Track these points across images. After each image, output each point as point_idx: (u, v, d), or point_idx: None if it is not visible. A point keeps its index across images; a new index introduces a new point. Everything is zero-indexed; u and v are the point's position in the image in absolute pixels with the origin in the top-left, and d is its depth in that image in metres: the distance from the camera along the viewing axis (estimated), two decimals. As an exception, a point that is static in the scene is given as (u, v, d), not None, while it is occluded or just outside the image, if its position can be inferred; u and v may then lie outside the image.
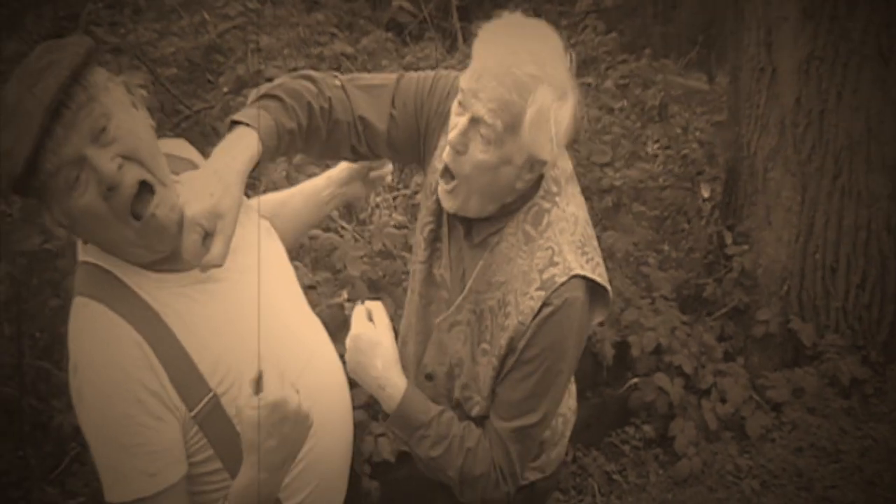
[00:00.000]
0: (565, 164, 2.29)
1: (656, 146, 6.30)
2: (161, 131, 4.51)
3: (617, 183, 5.44)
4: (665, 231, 5.97)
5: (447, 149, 2.11)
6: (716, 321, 5.33)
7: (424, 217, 2.37)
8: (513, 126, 2.01)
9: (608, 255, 5.28)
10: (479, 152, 2.06)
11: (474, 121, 2.04)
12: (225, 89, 5.21)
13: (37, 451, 3.62)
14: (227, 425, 1.84)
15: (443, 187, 2.19)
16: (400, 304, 3.92)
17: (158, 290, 1.84)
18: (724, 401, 4.85)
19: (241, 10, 6.01)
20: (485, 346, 2.24)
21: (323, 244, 4.28)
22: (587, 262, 2.17)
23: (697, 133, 6.46)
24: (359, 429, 3.77)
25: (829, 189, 5.41)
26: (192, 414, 1.80)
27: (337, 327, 3.99)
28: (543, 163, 2.09)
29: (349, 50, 6.29)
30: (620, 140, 5.95)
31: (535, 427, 2.23)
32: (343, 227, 4.73)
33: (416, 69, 6.62)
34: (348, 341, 2.23)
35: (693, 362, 4.87)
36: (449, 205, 2.20)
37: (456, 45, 7.42)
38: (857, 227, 5.40)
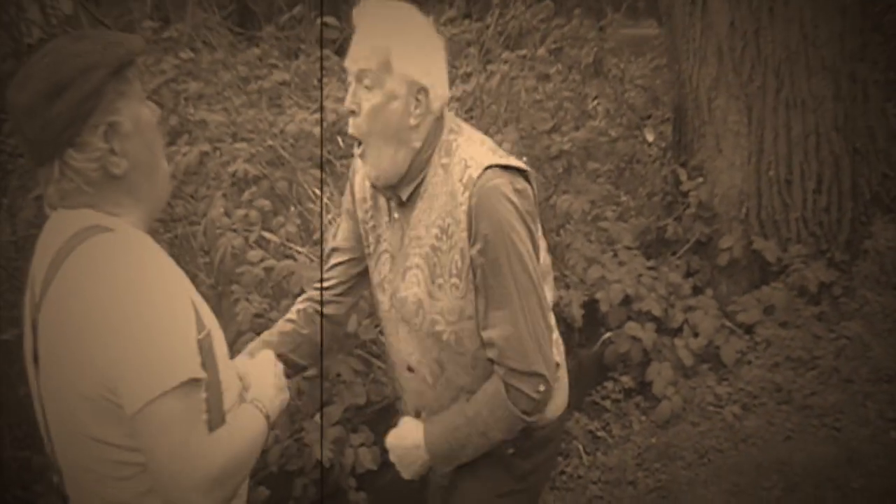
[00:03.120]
0: (459, 120, 2.56)
1: (596, 101, 6.36)
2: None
3: (565, 147, 5.50)
4: (623, 182, 6.03)
5: (350, 121, 2.41)
6: (680, 259, 5.39)
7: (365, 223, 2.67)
8: (385, 63, 2.31)
9: (565, 219, 5.36)
10: (367, 101, 2.35)
11: (357, 78, 2.35)
12: (164, 141, 5.33)
13: (24, 541, 3.71)
14: (213, 363, 1.95)
15: (358, 159, 2.52)
16: (361, 315, 4.04)
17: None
18: (696, 335, 4.91)
19: (176, 63, 6.14)
20: (440, 280, 2.42)
21: (280, 272, 4.37)
22: (500, 157, 2.39)
23: (639, 80, 6.50)
24: (338, 444, 3.88)
25: (773, 104, 5.46)
26: (199, 337, 1.90)
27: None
28: (425, 90, 2.36)
29: (287, 77, 6.41)
30: (563, 104, 6.02)
31: (521, 318, 2.36)
32: (298, 251, 4.84)
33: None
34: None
35: (662, 304, 4.93)
36: (367, 171, 2.46)
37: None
38: (805, 135, 5.45)
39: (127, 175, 1.93)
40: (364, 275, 2.74)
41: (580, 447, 4.51)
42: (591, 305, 4.90)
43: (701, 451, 4.38)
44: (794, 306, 5.03)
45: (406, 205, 2.47)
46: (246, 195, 4.79)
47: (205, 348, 1.90)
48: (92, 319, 1.81)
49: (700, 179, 5.51)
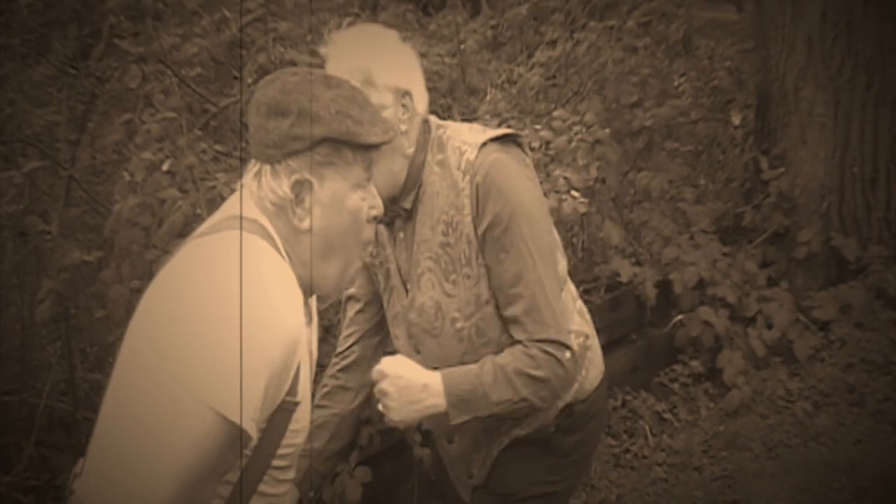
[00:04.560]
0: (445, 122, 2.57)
1: (683, 79, 6.28)
2: (191, 131, 4.65)
3: (647, 123, 5.44)
4: (701, 165, 5.97)
5: None
6: (757, 248, 5.33)
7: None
8: (367, 79, 2.29)
9: (644, 196, 5.32)
10: None
11: None
12: (249, 80, 5.31)
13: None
14: (279, 436, 1.84)
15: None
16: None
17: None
18: (770, 326, 4.86)
19: (261, 2, 6.11)
20: (453, 276, 2.43)
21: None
22: (491, 133, 2.44)
23: (727, 63, 6.42)
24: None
25: (862, 100, 5.38)
26: (283, 396, 1.78)
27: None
28: (409, 93, 2.37)
29: (371, 27, 6.35)
30: (647, 79, 5.95)
31: (540, 286, 2.36)
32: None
33: (440, 37, 6.69)
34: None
35: (737, 292, 4.88)
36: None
37: (479, 9, 7.45)
38: (893, 134, 5.38)
39: (304, 236, 1.88)
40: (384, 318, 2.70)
41: (647, 427, 4.48)
42: (663, 285, 4.85)
43: (769, 444, 4.35)
44: (871, 308, 4.97)
45: (410, 214, 2.47)
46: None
47: (283, 414, 1.80)
48: (205, 306, 1.70)
49: (781, 169, 5.43)
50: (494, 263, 2.37)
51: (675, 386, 4.75)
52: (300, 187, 1.84)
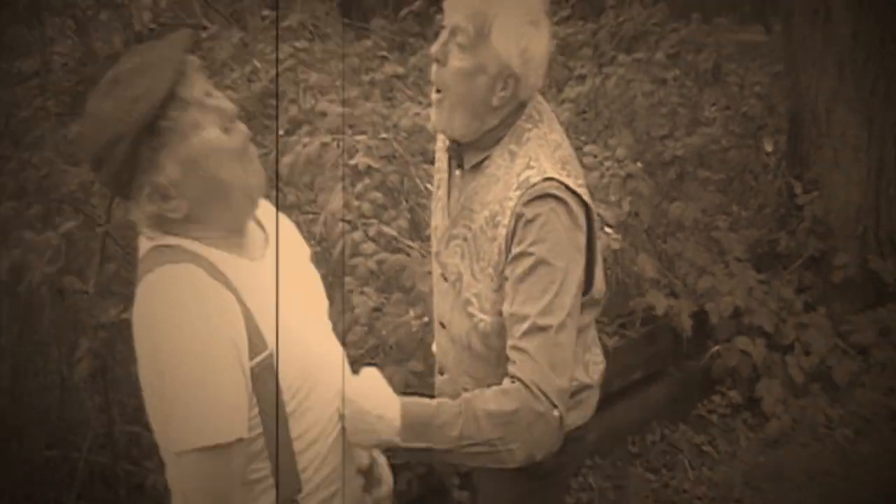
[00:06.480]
0: (546, 107, 2.45)
1: (713, 108, 6.26)
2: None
3: (679, 153, 5.44)
4: (733, 192, 5.95)
5: (433, 67, 2.33)
6: (792, 274, 5.30)
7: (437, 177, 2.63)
8: (483, 32, 2.21)
9: (677, 227, 5.30)
10: (456, 60, 2.25)
11: (452, 31, 2.25)
12: (281, 132, 5.37)
13: (135, 513, 3.77)
14: (272, 386, 1.90)
15: (434, 104, 2.37)
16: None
17: (225, 262, 1.91)
18: (808, 353, 4.82)
19: (291, 52, 6.18)
20: (482, 263, 2.35)
21: (392, 265, 4.38)
22: (567, 175, 2.28)
23: (756, 88, 6.40)
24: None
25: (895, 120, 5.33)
26: (252, 364, 1.86)
27: (406, 342, 4.12)
28: (516, 77, 2.25)
29: (400, 70, 6.41)
30: (677, 109, 5.95)
31: (554, 331, 2.17)
32: (409, 246, 4.85)
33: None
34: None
35: (773, 319, 4.85)
36: (436, 120, 2.37)
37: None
38: (928, 154, 5.33)
39: (191, 211, 1.89)
40: None
41: (686, 461, 4.46)
42: (699, 316, 4.83)
43: (811, 474, 4.31)
44: (911, 329, 4.93)
45: (468, 173, 2.40)
46: (359, 187, 4.79)
47: (259, 372, 1.87)
48: (150, 355, 1.85)
49: (815, 193, 5.40)
50: (510, 287, 2.25)
51: (714, 417, 4.72)
52: (157, 192, 1.85)
